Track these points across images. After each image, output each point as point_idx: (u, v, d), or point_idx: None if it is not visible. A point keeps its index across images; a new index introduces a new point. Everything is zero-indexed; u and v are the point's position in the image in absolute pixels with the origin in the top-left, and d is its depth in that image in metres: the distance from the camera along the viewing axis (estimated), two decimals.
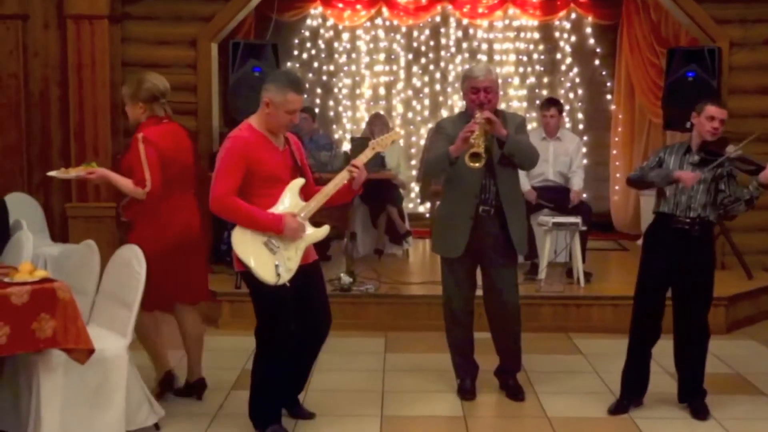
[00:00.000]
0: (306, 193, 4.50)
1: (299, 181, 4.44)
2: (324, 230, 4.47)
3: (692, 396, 4.94)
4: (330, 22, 10.16)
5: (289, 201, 4.38)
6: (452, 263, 5.10)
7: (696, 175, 4.71)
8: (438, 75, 10.35)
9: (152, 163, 4.72)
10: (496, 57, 10.26)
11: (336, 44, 10.28)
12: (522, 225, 5.12)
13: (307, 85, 9.71)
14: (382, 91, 10.38)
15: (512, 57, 10.27)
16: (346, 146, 9.51)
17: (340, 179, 4.50)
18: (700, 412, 4.86)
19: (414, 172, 9.58)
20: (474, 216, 4.96)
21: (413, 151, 10.28)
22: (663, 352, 5.00)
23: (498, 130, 4.82)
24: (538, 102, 9.95)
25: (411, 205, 10.01)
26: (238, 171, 4.29)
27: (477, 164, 4.70)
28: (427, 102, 10.39)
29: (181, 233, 4.86)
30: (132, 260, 4.48)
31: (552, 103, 7.59)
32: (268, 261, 4.26)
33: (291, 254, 4.32)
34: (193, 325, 5.10)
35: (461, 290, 5.15)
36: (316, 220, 4.60)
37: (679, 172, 4.74)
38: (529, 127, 9.16)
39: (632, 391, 5.00)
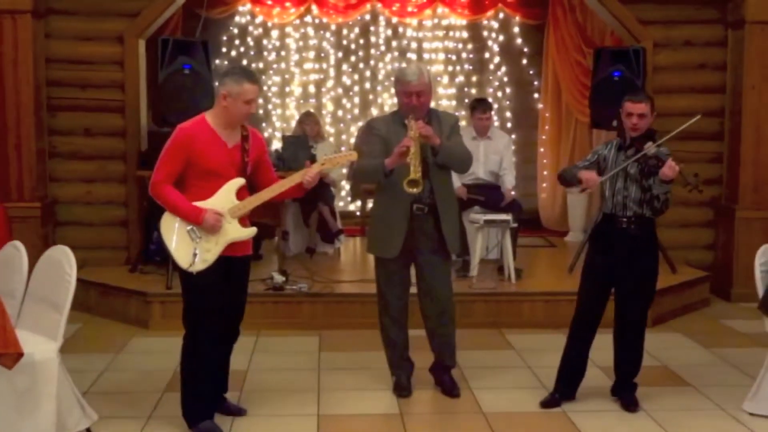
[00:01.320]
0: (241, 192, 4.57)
1: (238, 181, 4.51)
2: (250, 231, 4.59)
3: (625, 388, 5.05)
4: (259, 20, 10.07)
5: (221, 197, 4.47)
6: (386, 261, 5.11)
7: (596, 178, 4.80)
8: (368, 73, 10.35)
9: None
10: (426, 56, 10.31)
11: (265, 42, 10.19)
12: (455, 223, 5.17)
13: None
14: (311, 89, 10.33)
15: (441, 56, 10.33)
16: (276, 144, 9.44)
17: (279, 186, 4.61)
18: (630, 405, 4.97)
19: (345, 171, 9.56)
20: (409, 215, 4.98)
21: (344, 149, 10.23)
22: (594, 345, 5.08)
23: (432, 141, 4.85)
24: (467, 101, 10.06)
25: (342, 204, 10.00)
26: (176, 161, 4.43)
27: (415, 190, 4.75)
28: (357, 100, 10.39)
29: None
30: (62, 261, 4.36)
31: (486, 105, 7.67)
32: (187, 247, 4.41)
33: (210, 246, 4.43)
34: None
35: (395, 288, 5.16)
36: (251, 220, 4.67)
37: (582, 173, 4.85)
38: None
39: (567, 387, 5.08)
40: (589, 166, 4.96)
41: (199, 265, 4.41)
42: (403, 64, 9.97)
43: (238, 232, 4.51)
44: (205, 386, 4.58)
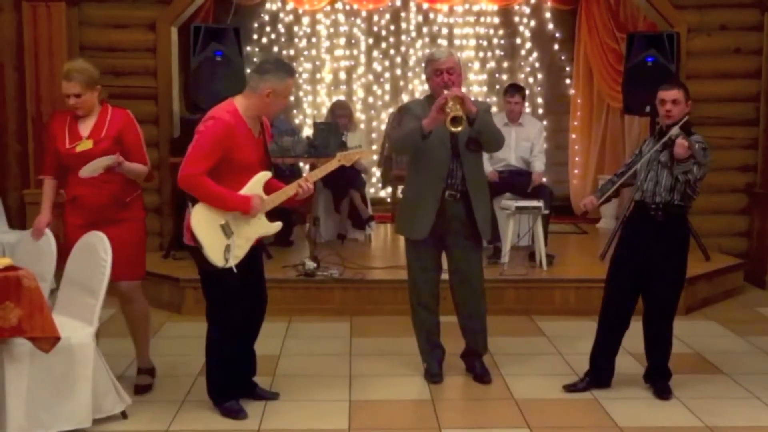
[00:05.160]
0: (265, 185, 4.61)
1: (265, 174, 4.55)
2: (276, 225, 4.63)
3: (658, 376, 5.03)
4: (290, 6, 10.08)
5: (250, 191, 4.48)
6: (417, 246, 5.12)
7: (590, 200, 4.97)
8: (398, 60, 10.33)
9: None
10: (457, 42, 10.27)
11: (296, 28, 10.21)
12: (487, 209, 5.17)
13: None
14: (342, 75, 10.34)
15: (472, 42, 10.29)
16: (307, 131, 9.47)
17: (297, 186, 4.61)
18: (663, 392, 4.95)
19: (375, 157, 9.58)
20: (440, 199, 4.99)
21: (374, 136, 10.27)
22: (628, 332, 5.06)
23: (468, 106, 4.82)
24: (498, 87, 10.03)
25: (372, 190, 10.01)
26: (215, 154, 4.34)
27: (459, 128, 4.71)
28: (387, 87, 10.38)
29: None
30: (97, 247, 4.42)
31: (517, 89, 7.64)
32: (220, 244, 4.37)
33: (242, 242, 4.45)
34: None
35: (426, 274, 5.17)
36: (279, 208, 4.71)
37: (582, 201, 5.04)
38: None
39: (600, 377, 5.07)
40: (627, 170, 4.99)
41: (232, 262, 4.40)
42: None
43: (266, 227, 4.59)
44: (228, 373, 4.66)
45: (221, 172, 4.36)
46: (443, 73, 4.95)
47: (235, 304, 4.53)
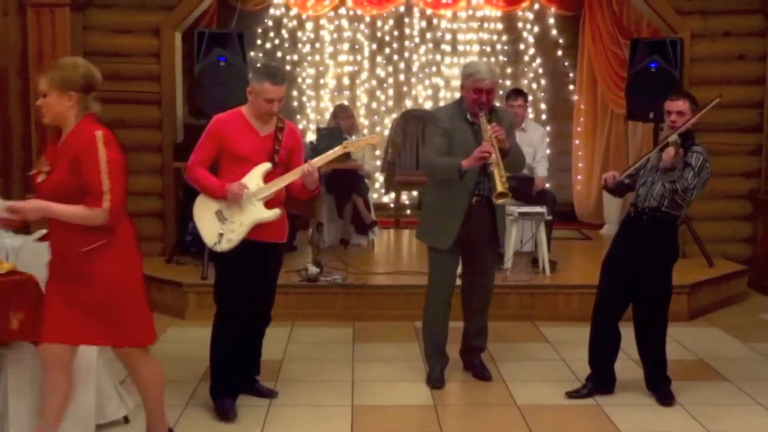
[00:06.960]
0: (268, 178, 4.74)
1: (265, 165, 4.69)
2: (274, 213, 4.72)
3: (656, 383, 5.02)
4: (293, 12, 10.10)
5: (248, 180, 4.67)
6: (442, 254, 5.16)
7: (614, 174, 4.95)
8: (402, 65, 10.34)
9: (115, 172, 3.65)
10: (460, 47, 10.28)
11: (299, 34, 10.22)
12: (503, 217, 5.30)
13: None
14: (346, 81, 10.35)
15: (476, 47, 10.29)
16: (311, 136, 9.47)
17: (300, 170, 4.75)
18: (666, 399, 4.94)
19: (378, 163, 9.59)
20: (466, 211, 5.05)
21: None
22: (629, 339, 5.06)
23: (504, 145, 4.92)
24: (502, 92, 10.01)
25: (376, 195, 10.01)
26: (209, 146, 4.72)
27: (503, 200, 4.85)
28: (391, 92, 10.38)
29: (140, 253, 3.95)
30: None
31: (518, 93, 7.64)
32: (214, 228, 4.68)
33: (235, 228, 4.65)
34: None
35: (450, 281, 5.24)
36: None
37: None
38: None
39: (601, 381, 5.07)
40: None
41: (224, 245, 4.63)
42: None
43: (262, 213, 4.68)
44: (227, 365, 4.76)
45: (222, 162, 4.72)
46: (483, 93, 4.97)
47: (235, 292, 4.67)
